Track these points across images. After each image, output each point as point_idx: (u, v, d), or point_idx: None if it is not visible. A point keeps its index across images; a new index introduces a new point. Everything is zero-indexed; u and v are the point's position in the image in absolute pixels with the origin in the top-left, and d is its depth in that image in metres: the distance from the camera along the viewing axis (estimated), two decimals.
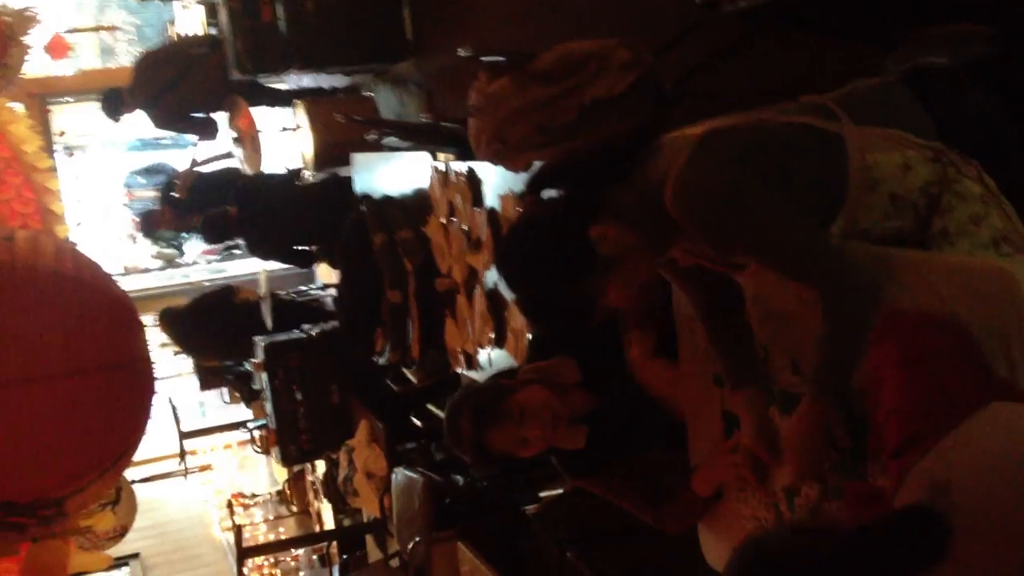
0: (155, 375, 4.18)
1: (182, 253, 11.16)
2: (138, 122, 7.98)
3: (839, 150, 1.98)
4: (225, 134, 7.63)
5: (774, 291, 2.28)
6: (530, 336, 3.59)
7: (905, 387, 1.58)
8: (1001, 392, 1.54)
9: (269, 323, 6.66)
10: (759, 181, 1.94)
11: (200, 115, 7.39)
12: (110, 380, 3.71)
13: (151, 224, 8.46)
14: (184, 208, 7.73)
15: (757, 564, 1.51)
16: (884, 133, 1.99)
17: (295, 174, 6.95)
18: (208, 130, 7.55)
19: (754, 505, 2.52)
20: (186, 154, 8.35)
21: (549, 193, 2.17)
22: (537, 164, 3.25)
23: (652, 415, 2.71)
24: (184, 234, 10.44)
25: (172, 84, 7.02)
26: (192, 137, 8.08)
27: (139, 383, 3.94)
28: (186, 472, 8.97)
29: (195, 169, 8.02)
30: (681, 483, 2.59)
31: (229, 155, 7.71)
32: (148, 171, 11.23)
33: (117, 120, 7.54)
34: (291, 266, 7.42)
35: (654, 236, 2.06)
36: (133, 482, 8.01)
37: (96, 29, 11.61)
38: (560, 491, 3.97)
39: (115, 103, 7.33)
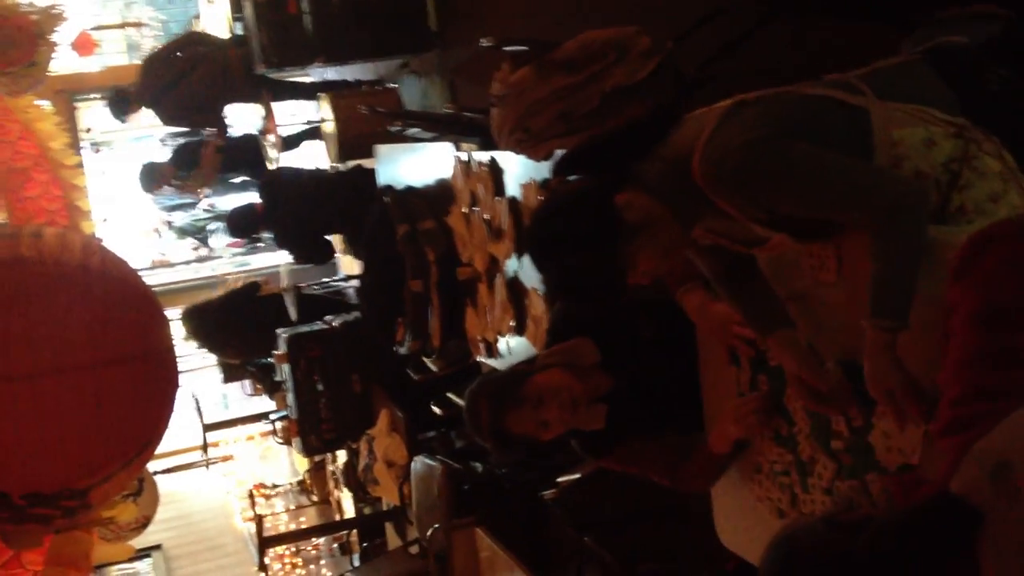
0: (179, 367, 4.24)
1: (208, 246, 11.24)
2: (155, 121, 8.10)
3: (864, 123, 2.00)
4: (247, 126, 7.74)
5: (792, 271, 2.31)
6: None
7: (973, 357, 1.53)
8: None
9: (294, 315, 6.72)
10: (786, 136, 1.95)
11: (208, 113, 7.48)
12: (135, 371, 3.76)
13: (152, 178, 8.47)
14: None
15: (789, 561, 1.50)
16: (908, 108, 2.01)
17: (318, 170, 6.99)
18: (220, 126, 7.65)
19: (768, 487, 2.55)
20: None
21: (575, 176, 2.21)
22: (559, 153, 3.29)
23: (670, 394, 2.74)
24: (210, 227, 10.56)
25: (175, 82, 7.11)
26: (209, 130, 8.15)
27: (164, 374, 3.99)
28: (208, 463, 9.06)
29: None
30: (697, 443, 2.60)
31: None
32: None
33: (124, 120, 7.65)
34: (311, 264, 7.48)
35: (681, 209, 2.06)
36: (155, 473, 8.08)
37: (122, 26, 11.72)
38: (578, 476, 4.00)
39: (121, 103, 7.43)
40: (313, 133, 7.52)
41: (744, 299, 2.34)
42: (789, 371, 2.31)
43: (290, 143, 7.44)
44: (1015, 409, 1.40)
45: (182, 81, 7.11)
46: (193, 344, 8.31)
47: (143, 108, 7.37)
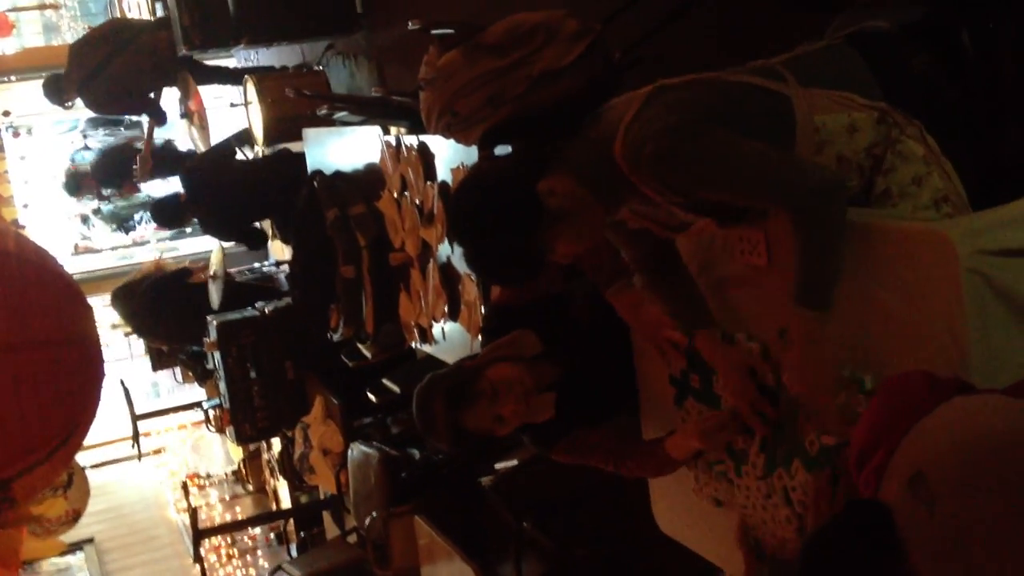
0: (104, 357, 4.14)
1: (128, 235, 11.06)
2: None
3: (787, 110, 2.01)
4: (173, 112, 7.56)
5: (720, 256, 2.31)
6: (483, 311, 3.60)
7: (871, 410, 1.58)
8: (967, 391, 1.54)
9: (216, 303, 6.60)
10: (708, 121, 1.96)
11: (133, 97, 7.30)
12: (56, 356, 3.67)
13: (76, 187, 8.28)
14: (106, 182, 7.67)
15: None
16: (830, 95, 2.02)
17: (238, 141, 6.81)
18: (153, 112, 7.47)
19: (704, 476, 2.55)
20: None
21: (501, 150, 2.18)
22: None
23: (617, 379, 2.74)
24: (136, 215, 10.36)
25: (102, 66, 6.92)
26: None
27: (85, 362, 3.90)
28: (139, 456, 8.90)
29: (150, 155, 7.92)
30: (655, 446, 2.57)
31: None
32: (89, 147, 11.06)
33: (64, 106, 7.44)
34: (244, 247, 7.36)
35: (604, 191, 2.07)
36: (86, 468, 7.92)
37: (40, 8, 11.40)
38: (515, 463, 3.99)
39: (56, 91, 7.23)
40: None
41: (667, 293, 2.36)
42: (720, 368, 2.34)
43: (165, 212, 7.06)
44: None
45: (108, 66, 6.93)
46: (121, 331, 8.17)
47: (73, 94, 7.17)
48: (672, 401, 2.60)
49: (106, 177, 7.96)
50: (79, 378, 3.84)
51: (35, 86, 8.28)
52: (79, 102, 7.35)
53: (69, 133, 11.38)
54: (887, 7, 2.23)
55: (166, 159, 7.69)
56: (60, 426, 3.76)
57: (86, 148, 10.83)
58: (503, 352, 2.61)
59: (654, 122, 1.97)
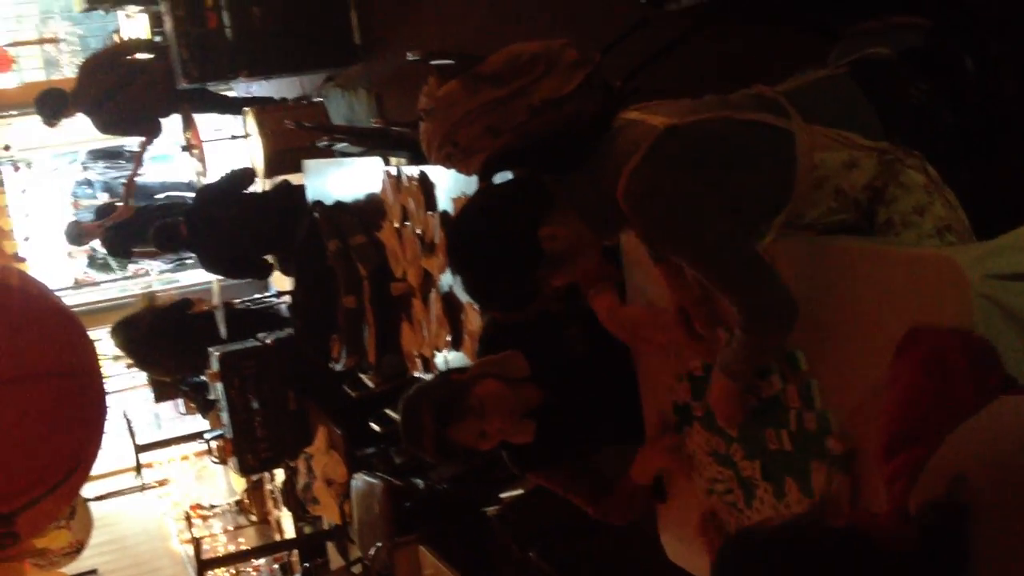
0: (106, 390, 4.13)
1: (128, 270, 11.07)
2: (84, 131, 7.88)
3: (789, 146, 2.02)
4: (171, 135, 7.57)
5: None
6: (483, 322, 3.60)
7: (908, 384, 1.58)
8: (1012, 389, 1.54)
9: (223, 332, 6.61)
10: (708, 187, 1.98)
11: (151, 121, 7.31)
12: (57, 389, 3.67)
13: (78, 234, 8.27)
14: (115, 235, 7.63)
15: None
16: (832, 134, 2.03)
17: (239, 180, 6.78)
18: (153, 130, 7.47)
19: (714, 503, 2.55)
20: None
21: (502, 177, 2.20)
22: None
23: (602, 410, 2.74)
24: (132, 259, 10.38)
25: (116, 89, 6.93)
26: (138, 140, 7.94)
27: (90, 395, 3.89)
28: (143, 487, 8.88)
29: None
30: (621, 475, 2.63)
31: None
32: (90, 182, 11.08)
33: (53, 124, 7.40)
34: (249, 279, 7.36)
35: (604, 226, 2.10)
36: (88, 500, 7.90)
37: (39, 42, 11.45)
38: (521, 492, 3.98)
39: (54, 105, 7.19)
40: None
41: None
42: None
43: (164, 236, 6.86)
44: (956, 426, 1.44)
45: (126, 88, 6.93)
46: (123, 363, 8.16)
47: (78, 113, 7.17)
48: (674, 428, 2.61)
49: (115, 250, 7.91)
50: (83, 411, 3.83)
51: (35, 121, 8.30)
52: (66, 120, 7.34)
53: (70, 166, 11.42)
54: (888, 33, 2.24)
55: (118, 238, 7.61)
56: (64, 459, 3.75)
57: (87, 183, 10.86)
58: (491, 370, 2.62)
59: (659, 178, 1.98)
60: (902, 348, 1.66)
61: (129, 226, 7.50)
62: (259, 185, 7.16)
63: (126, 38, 9.54)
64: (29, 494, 3.63)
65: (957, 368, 1.53)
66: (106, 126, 7.33)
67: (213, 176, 7.93)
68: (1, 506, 3.52)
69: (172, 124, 7.66)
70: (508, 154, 2.32)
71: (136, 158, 7.92)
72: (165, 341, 7.05)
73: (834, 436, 2.09)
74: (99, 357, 4.31)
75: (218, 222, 6.16)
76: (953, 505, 1.37)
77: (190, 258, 7.90)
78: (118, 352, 7.72)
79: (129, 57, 7.18)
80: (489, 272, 2.11)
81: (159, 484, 9.31)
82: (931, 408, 1.51)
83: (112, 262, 10.88)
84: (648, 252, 2.43)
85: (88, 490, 8.10)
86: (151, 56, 7.16)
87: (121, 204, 7.86)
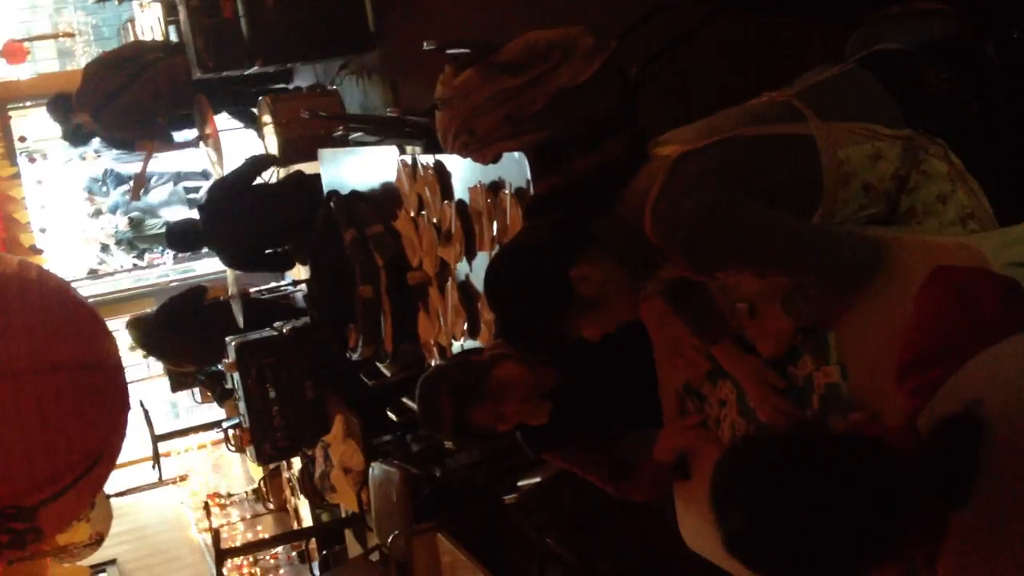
0: (126, 382, 4.15)
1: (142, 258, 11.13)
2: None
3: (811, 152, 2.00)
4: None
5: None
6: None
7: (933, 308, 1.58)
8: None
9: (241, 322, 6.63)
10: (733, 198, 1.96)
11: (158, 120, 7.32)
12: (77, 380, 3.69)
13: (83, 136, 8.14)
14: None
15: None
16: (852, 127, 2.01)
17: (254, 167, 6.75)
18: (162, 138, 7.49)
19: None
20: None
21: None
22: (506, 155, 3.27)
23: (617, 391, 2.75)
24: (153, 249, 10.43)
25: (121, 89, 6.94)
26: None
27: (109, 386, 3.92)
28: (160, 477, 8.91)
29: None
30: (643, 454, 2.64)
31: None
32: (103, 176, 11.11)
33: (68, 125, 7.45)
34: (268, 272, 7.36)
35: (635, 265, 2.08)
36: (109, 496, 7.93)
37: (55, 36, 11.47)
38: (538, 479, 3.98)
39: (63, 109, 7.24)
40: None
41: (687, 313, 2.39)
42: (742, 378, 2.36)
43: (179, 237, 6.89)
44: (977, 352, 1.45)
45: (129, 89, 6.95)
46: (140, 353, 8.19)
47: (83, 114, 7.19)
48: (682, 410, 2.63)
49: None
50: (103, 403, 3.86)
51: None
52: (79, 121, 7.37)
53: (82, 159, 11.45)
54: (906, 19, 2.22)
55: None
56: (85, 452, 3.77)
57: (101, 180, 10.88)
58: (509, 351, 2.63)
59: (682, 201, 1.96)
60: (927, 283, 1.66)
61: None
62: (273, 175, 7.16)
63: (140, 31, 9.56)
64: (51, 487, 3.65)
65: (986, 297, 1.52)
66: (111, 128, 7.36)
67: (228, 166, 7.94)
68: (25, 499, 3.54)
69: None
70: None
71: (146, 156, 7.93)
72: (181, 329, 7.07)
73: (855, 410, 2.08)
74: (118, 348, 4.32)
75: (232, 215, 6.17)
76: (967, 420, 1.37)
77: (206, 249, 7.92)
78: (133, 343, 7.75)
79: (134, 58, 7.19)
80: (517, 310, 2.13)
81: (180, 480, 9.35)
82: (954, 329, 1.51)
83: (128, 251, 10.91)
84: (698, 334, 2.44)
85: (108, 485, 8.15)
86: (156, 56, 7.17)
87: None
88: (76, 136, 7.59)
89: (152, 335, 7.20)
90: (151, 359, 8.73)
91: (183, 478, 9.36)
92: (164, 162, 10.27)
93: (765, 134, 2.04)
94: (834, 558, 1.41)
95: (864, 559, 1.42)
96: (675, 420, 2.60)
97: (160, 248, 10.59)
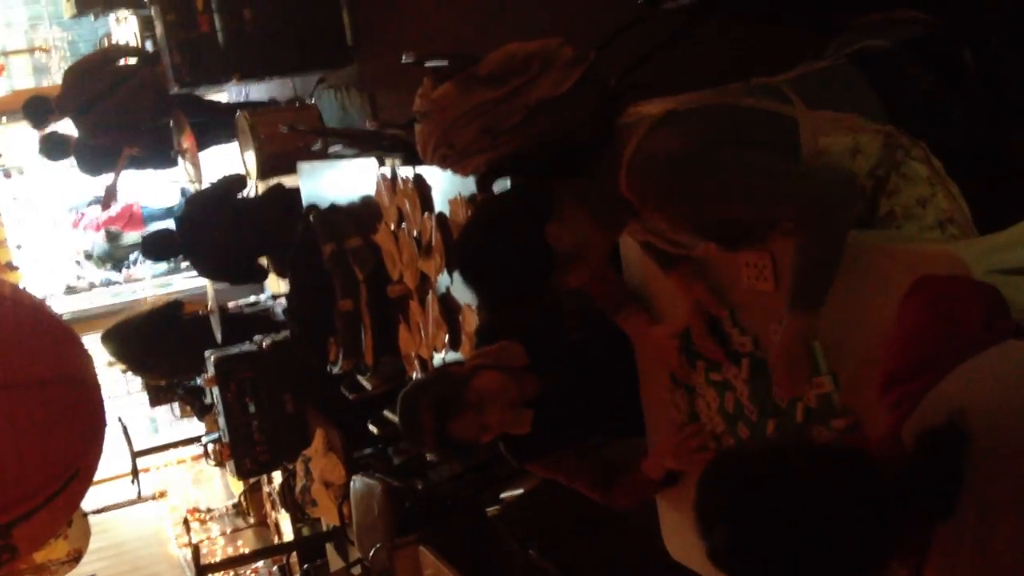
0: (104, 403, 4.11)
1: (121, 275, 11.06)
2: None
3: (793, 133, 2.02)
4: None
5: (727, 284, 2.32)
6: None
7: (915, 320, 1.58)
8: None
9: (219, 336, 6.60)
10: (714, 147, 1.97)
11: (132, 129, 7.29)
12: (50, 396, 3.65)
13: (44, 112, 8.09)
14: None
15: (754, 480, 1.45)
16: (836, 117, 2.03)
17: (231, 185, 6.74)
18: (135, 139, 7.45)
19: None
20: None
21: (501, 186, 2.20)
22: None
23: (600, 399, 2.75)
24: (129, 257, 10.35)
25: (103, 95, 6.91)
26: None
27: (84, 403, 3.87)
28: (139, 494, 8.85)
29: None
30: (631, 462, 2.63)
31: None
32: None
33: (42, 129, 7.41)
34: (244, 285, 7.34)
35: (609, 218, 2.09)
36: (87, 514, 7.87)
37: (30, 51, 11.42)
38: (521, 491, 3.98)
39: (40, 111, 7.20)
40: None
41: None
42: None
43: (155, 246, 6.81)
44: (960, 362, 1.45)
45: (112, 94, 6.92)
46: (117, 368, 8.13)
47: (63, 118, 7.16)
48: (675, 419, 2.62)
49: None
50: (78, 420, 3.81)
51: (26, 128, 8.27)
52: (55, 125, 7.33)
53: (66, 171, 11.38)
54: (886, 27, 2.24)
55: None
56: (59, 469, 3.73)
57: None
58: (488, 360, 2.62)
59: (657, 150, 1.97)
60: (909, 293, 1.66)
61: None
62: (253, 188, 7.14)
63: (116, 43, 9.53)
64: (26, 504, 3.61)
65: (968, 307, 1.53)
66: (89, 132, 7.31)
67: (206, 181, 7.91)
68: None
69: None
70: (507, 162, 2.31)
71: (119, 162, 7.89)
72: (158, 343, 7.03)
73: (839, 417, 2.09)
74: (94, 366, 4.29)
75: (211, 227, 6.14)
76: (952, 430, 1.38)
77: (184, 262, 7.91)
78: (111, 359, 7.69)
79: (116, 64, 7.16)
80: (503, 282, 2.11)
81: (159, 496, 9.28)
82: (936, 341, 1.51)
83: (104, 262, 10.83)
84: (657, 261, 2.43)
85: (86, 502, 8.09)
86: (138, 62, 7.15)
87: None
88: (52, 148, 7.53)
89: (129, 349, 7.15)
90: (128, 375, 8.67)
91: (162, 494, 9.29)
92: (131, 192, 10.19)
93: (750, 106, 2.05)
94: (819, 570, 1.41)
95: (849, 571, 1.42)
96: (672, 438, 2.56)
97: (136, 258, 10.50)
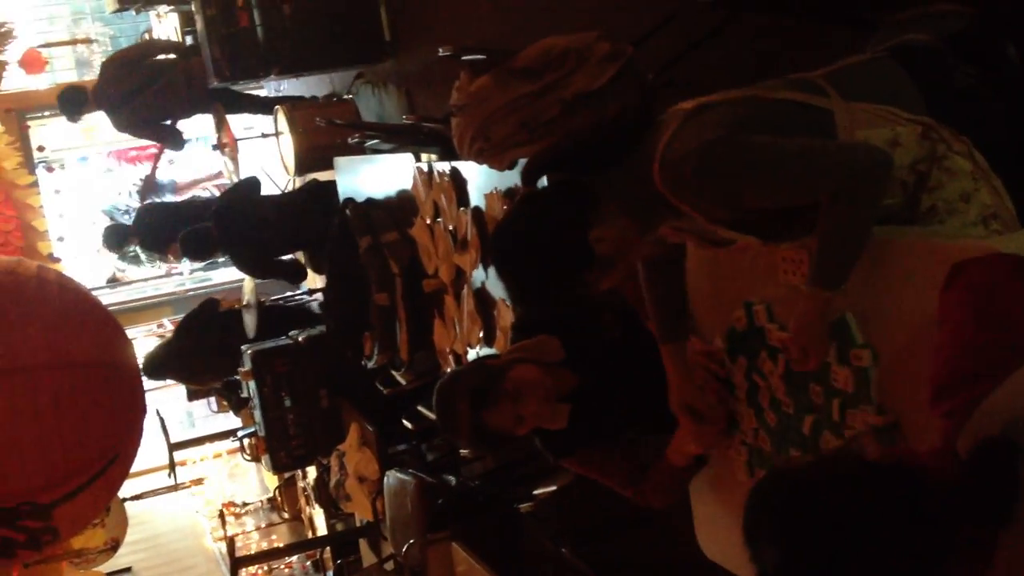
0: (143, 388, 4.17)
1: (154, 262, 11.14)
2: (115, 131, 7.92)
3: (828, 125, 1.99)
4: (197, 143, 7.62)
5: (763, 278, 2.29)
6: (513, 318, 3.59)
7: (961, 320, 1.54)
8: None
9: (251, 332, 6.62)
10: (746, 135, 1.95)
11: (167, 123, 7.35)
12: (93, 377, 3.71)
13: (116, 241, 8.21)
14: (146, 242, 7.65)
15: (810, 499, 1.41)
16: (873, 109, 2.00)
17: (246, 191, 6.75)
18: (175, 141, 7.51)
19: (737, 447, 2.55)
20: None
21: (544, 182, 2.20)
22: (523, 161, 3.25)
23: (635, 395, 2.72)
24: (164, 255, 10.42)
25: (139, 89, 6.97)
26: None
27: (124, 387, 3.93)
28: (176, 485, 8.93)
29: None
30: (658, 457, 2.61)
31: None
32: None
33: (76, 120, 7.48)
34: (282, 281, 7.36)
35: (643, 215, 2.08)
36: (124, 500, 7.95)
37: (72, 43, 11.54)
38: (554, 488, 3.96)
39: (76, 102, 7.25)
40: None
41: (656, 296, 2.44)
42: (671, 381, 2.47)
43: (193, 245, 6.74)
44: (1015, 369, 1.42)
45: (146, 90, 6.98)
46: None
47: (99, 109, 7.22)
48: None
49: (146, 242, 7.92)
50: (118, 403, 3.87)
51: (66, 122, 8.38)
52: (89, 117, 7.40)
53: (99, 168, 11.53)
54: (926, 21, 2.20)
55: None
56: (99, 451, 3.78)
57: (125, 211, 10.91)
58: (526, 354, 2.62)
59: (692, 141, 1.96)
60: (947, 286, 1.63)
61: (165, 217, 7.51)
62: (289, 183, 7.18)
63: (155, 38, 9.62)
64: (67, 485, 3.66)
65: (1010, 293, 1.49)
66: (124, 126, 7.38)
67: (244, 175, 7.97)
68: (39, 496, 3.54)
69: (198, 123, 7.69)
70: (553, 155, 2.31)
71: (154, 159, 7.98)
72: (197, 350, 7.05)
73: (877, 413, 2.06)
74: (134, 351, 4.35)
75: (246, 219, 6.18)
76: (1007, 443, 1.35)
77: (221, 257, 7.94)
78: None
79: (153, 58, 7.22)
80: (538, 278, 2.12)
81: (194, 483, 9.35)
82: (986, 347, 1.47)
83: (143, 255, 10.93)
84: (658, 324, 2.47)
85: (123, 490, 8.17)
86: (174, 57, 7.20)
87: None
88: (68, 103, 7.44)
89: (170, 367, 7.15)
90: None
91: (198, 481, 9.36)
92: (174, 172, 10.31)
93: (785, 97, 2.03)
94: None
95: None
96: (689, 423, 2.55)
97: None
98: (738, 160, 1.94)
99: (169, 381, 9.43)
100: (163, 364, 6.99)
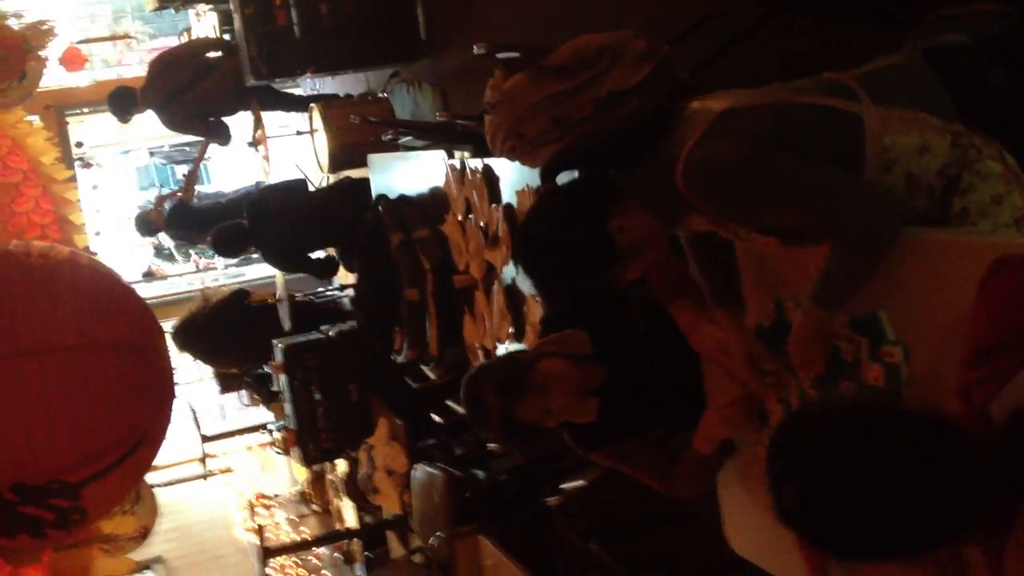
0: (172, 371, 4.22)
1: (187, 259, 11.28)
2: (156, 129, 8.02)
3: (857, 131, 2.00)
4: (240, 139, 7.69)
5: (775, 276, 2.32)
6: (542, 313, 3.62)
7: (1005, 293, 1.55)
8: None
9: (287, 325, 6.70)
10: (772, 155, 1.97)
11: (212, 119, 7.43)
12: (123, 358, 3.74)
13: (148, 229, 8.36)
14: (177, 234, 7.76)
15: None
16: (903, 115, 2.00)
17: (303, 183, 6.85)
18: (221, 134, 7.59)
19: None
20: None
21: (565, 177, 2.23)
22: None
23: (664, 389, 2.75)
24: (194, 248, 10.55)
25: (186, 87, 7.05)
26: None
27: (153, 369, 3.96)
28: (207, 475, 9.03)
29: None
30: (685, 446, 2.62)
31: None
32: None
33: (126, 120, 7.57)
34: (313, 277, 7.43)
35: (667, 211, 2.12)
36: (153, 487, 8.05)
37: (111, 39, 11.68)
38: (582, 483, 3.99)
39: (126, 102, 7.35)
40: None
41: (708, 268, 2.43)
42: (734, 346, 2.41)
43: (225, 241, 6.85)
44: None
45: (195, 87, 7.06)
46: (188, 355, 8.28)
47: (147, 109, 7.31)
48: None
49: (177, 233, 8.03)
50: (147, 385, 3.91)
51: (106, 118, 8.49)
52: (138, 117, 7.49)
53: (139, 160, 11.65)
54: (964, 21, 2.21)
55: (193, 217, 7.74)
56: (127, 432, 3.82)
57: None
58: (554, 348, 2.64)
59: (718, 152, 1.99)
60: (989, 274, 1.62)
61: (195, 214, 7.63)
62: (323, 180, 7.24)
63: (196, 36, 9.72)
64: (95, 464, 3.69)
65: None
66: (173, 124, 7.46)
67: (276, 173, 8.06)
68: (68, 474, 3.58)
69: (239, 121, 7.77)
70: (572, 153, 2.34)
71: (201, 149, 8.05)
72: (226, 332, 7.13)
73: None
74: (165, 337, 4.40)
75: (278, 215, 6.24)
76: None
77: (255, 252, 8.03)
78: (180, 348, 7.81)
79: (199, 56, 7.30)
80: (563, 272, 2.15)
81: (223, 472, 9.45)
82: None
83: (176, 253, 11.08)
84: (664, 294, 2.49)
85: (153, 478, 8.27)
86: (220, 55, 7.28)
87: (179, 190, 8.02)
88: (118, 102, 7.55)
89: (198, 341, 7.25)
90: (199, 363, 8.82)
91: (227, 470, 9.45)
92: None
93: (815, 103, 2.05)
94: (892, 537, 1.35)
95: (923, 542, 1.37)
96: (716, 407, 2.54)
97: (209, 253, 10.73)
98: (757, 182, 1.98)
99: (203, 375, 9.56)
100: (191, 334, 7.06)
